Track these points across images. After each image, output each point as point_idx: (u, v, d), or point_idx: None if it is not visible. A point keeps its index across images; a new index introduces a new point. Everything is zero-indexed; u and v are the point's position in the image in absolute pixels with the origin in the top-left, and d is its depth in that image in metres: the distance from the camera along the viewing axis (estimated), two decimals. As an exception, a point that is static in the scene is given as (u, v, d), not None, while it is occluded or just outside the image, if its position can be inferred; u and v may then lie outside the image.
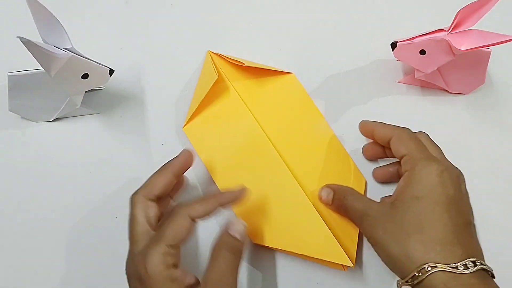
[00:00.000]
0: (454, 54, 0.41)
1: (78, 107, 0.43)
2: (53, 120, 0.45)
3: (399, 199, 0.34)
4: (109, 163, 0.43)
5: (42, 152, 0.44)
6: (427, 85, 0.47)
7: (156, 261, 0.31)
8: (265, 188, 0.40)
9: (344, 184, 0.40)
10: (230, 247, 0.33)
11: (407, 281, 0.31)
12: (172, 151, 0.44)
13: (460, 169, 0.43)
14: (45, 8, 0.36)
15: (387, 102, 0.47)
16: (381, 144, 0.40)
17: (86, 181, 0.43)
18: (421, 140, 0.37)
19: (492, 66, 0.46)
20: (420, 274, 0.30)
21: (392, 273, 0.33)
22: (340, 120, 0.45)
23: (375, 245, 0.34)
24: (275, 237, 0.38)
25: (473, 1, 0.38)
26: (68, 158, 0.43)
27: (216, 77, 0.41)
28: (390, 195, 0.37)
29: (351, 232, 0.39)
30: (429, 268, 0.30)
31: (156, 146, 0.44)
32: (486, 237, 0.41)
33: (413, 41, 0.41)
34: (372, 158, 0.43)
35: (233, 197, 0.35)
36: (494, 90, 0.47)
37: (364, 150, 0.43)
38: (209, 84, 0.42)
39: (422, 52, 0.41)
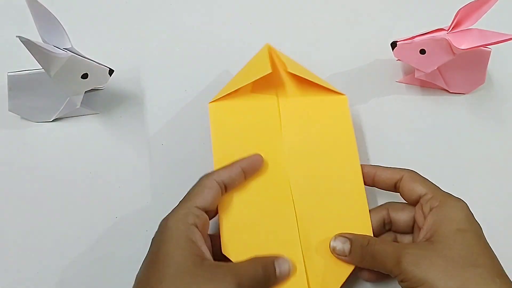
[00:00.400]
0: (454, 53, 0.41)
1: (78, 107, 0.43)
2: (53, 120, 0.45)
3: (439, 234, 0.32)
4: (109, 163, 0.43)
5: (42, 152, 0.44)
6: (427, 84, 0.47)
7: (178, 216, 0.32)
8: (262, 209, 0.37)
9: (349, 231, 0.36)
10: (264, 266, 0.32)
11: None
12: (172, 151, 0.44)
13: (459, 169, 0.43)
14: (45, 8, 0.36)
15: (387, 102, 0.47)
16: (382, 187, 0.37)
17: (86, 181, 0.43)
18: None
19: (492, 65, 0.46)
20: None
21: None
22: (340, 120, 0.45)
23: (421, 285, 0.30)
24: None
25: (473, 0, 0.38)
26: (68, 158, 0.43)
27: (269, 71, 0.39)
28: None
29: (336, 279, 0.35)
30: None
31: (156, 146, 0.44)
32: (486, 237, 0.41)
33: (413, 41, 0.41)
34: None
35: (252, 161, 0.37)
36: (494, 90, 0.47)
37: None
38: (258, 75, 0.39)
39: (422, 51, 0.41)
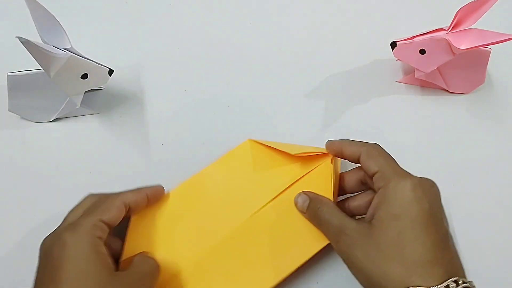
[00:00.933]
0: (454, 53, 0.41)
1: (78, 107, 0.43)
2: (53, 120, 0.45)
3: (376, 218, 0.32)
4: (109, 163, 0.43)
5: (42, 152, 0.44)
6: (427, 84, 0.47)
7: (84, 229, 0.31)
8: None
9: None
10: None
11: None
12: (171, 151, 0.44)
13: (459, 169, 0.43)
14: (45, 8, 0.36)
15: (387, 102, 0.47)
16: (351, 161, 0.37)
17: (86, 181, 0.43)
18: (390, 155, 0.35)
19: (492, 65, 0.46)
20: None
21: None
22: (339, 120, 0.45)
23: (353, 268, 0.32)
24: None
25: (472, 0, 0.38)
26: (68, 158, 0.43)
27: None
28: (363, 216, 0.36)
29: None
30: None
31: (155, 146, 0.44)
32: (486, 237, 0.41)
33: (413, 41, 0.41)
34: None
35: (155, 190, 0.38)
36: (494, 90, 0.47)
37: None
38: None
39: (422, 51, 0.41)
